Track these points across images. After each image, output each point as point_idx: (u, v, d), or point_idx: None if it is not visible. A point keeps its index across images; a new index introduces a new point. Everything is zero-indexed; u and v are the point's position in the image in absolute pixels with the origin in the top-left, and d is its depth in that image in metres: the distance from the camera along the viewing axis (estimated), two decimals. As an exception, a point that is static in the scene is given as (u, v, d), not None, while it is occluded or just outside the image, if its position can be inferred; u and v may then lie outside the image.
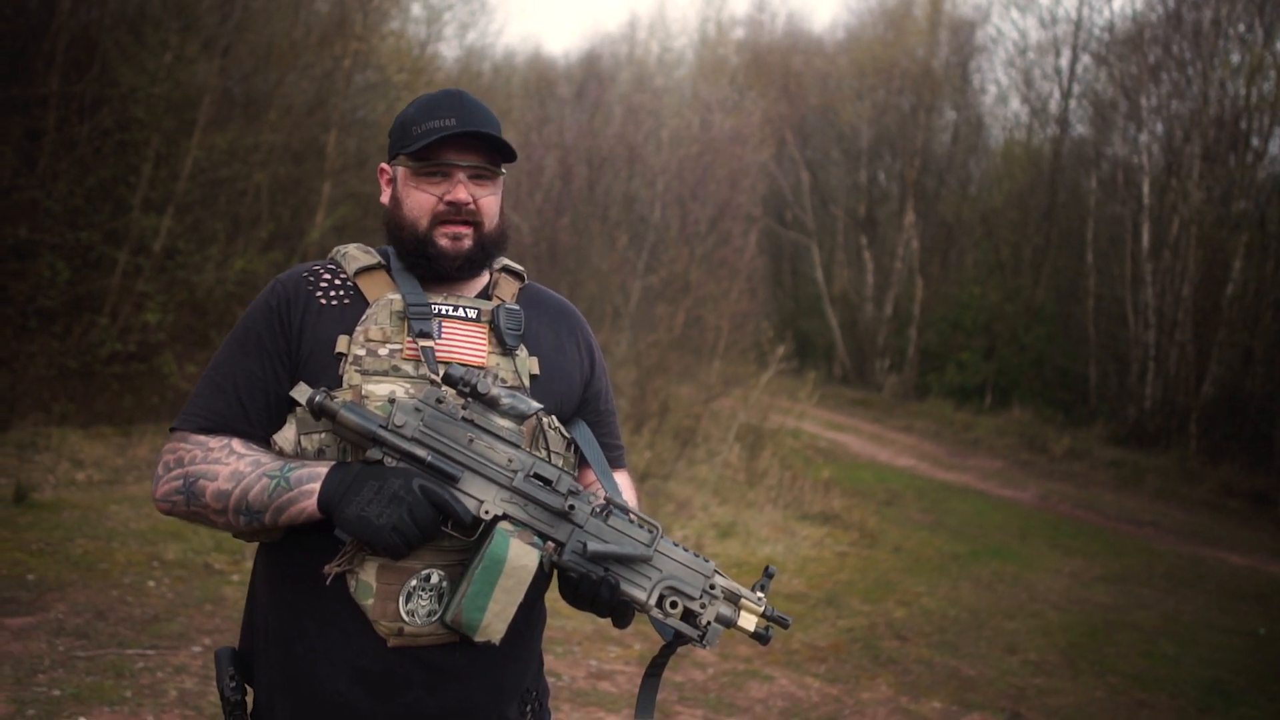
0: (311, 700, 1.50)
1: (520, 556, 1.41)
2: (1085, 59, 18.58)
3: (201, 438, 1.52)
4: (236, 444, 1.51)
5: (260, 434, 1.54)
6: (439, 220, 1.58)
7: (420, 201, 1.59)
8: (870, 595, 6.55)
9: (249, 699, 1.60)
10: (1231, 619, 6.93)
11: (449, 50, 18.50)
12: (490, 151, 1.60)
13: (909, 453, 13.23)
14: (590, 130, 9.28)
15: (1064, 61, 18.77)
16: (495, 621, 1.41)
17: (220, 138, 9.05)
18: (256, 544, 1.61)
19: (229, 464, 1.47)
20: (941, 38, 20.39)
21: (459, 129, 1.55)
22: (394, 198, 1.63)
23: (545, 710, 1.73)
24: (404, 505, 1.40)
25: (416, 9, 15.09)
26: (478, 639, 1.42)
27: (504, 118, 14.18)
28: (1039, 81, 19.61)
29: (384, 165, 1.67)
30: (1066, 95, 18.85)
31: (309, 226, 10.36)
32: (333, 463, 1.48)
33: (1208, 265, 14.82)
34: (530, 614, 1.62)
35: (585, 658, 4.79)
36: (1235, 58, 15.27)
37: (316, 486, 1.43)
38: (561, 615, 5.29)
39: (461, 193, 1.57)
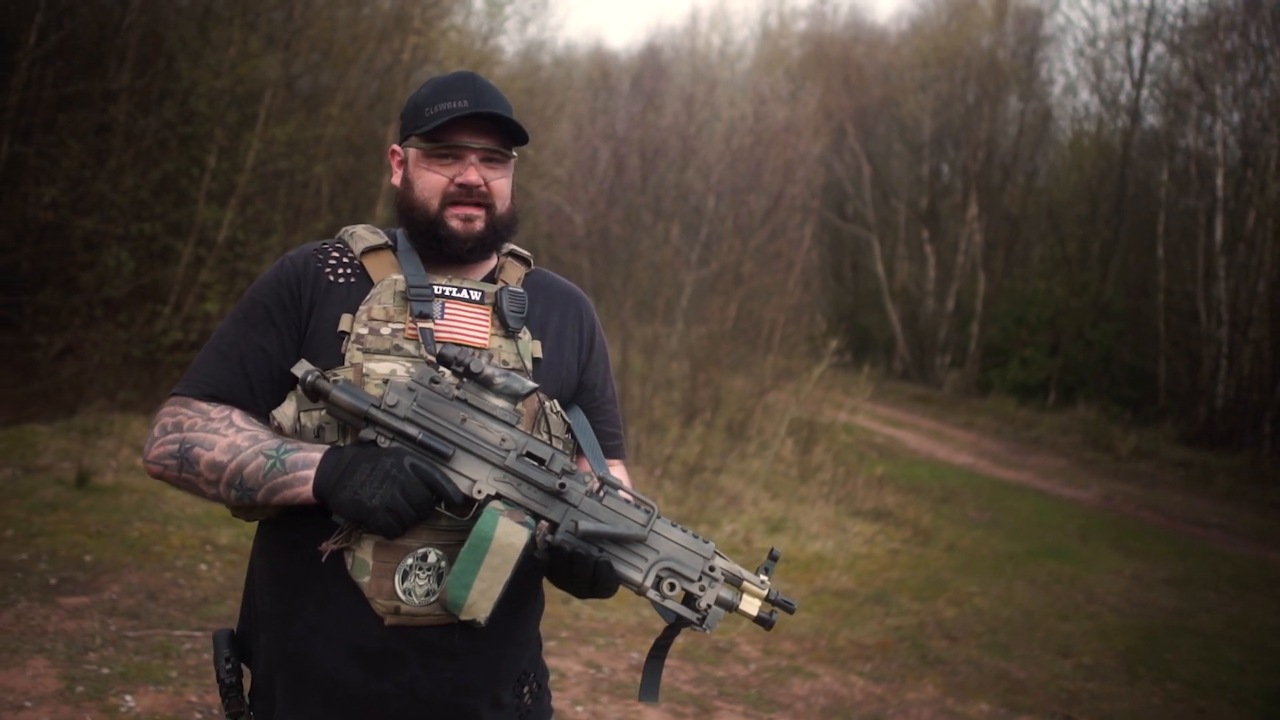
0: (308, 678, 1.50)
1: (507, 534, 1.39)
2: (1158, 47, 18.03)
3: (203, 405, 1.51)
4: (237, 416, 1.50)
5: (262, 407, 1.54)
6: (450, 201, 1.58)
7: (431, 183, 1.59)
8: (921, 594, 6.44)
9: (245, 681, 1.61)
10: (1301, 626, 6.69)
11: (509, 44, 18.62)
12: (502, 134, 1.60)
13: (968, 450, 13.00)
14: (644, 122, 9.24)
15: (1136, 50, 18.24)
16: (480, 600, 1.39)
17: (280, 131, 9.20)
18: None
19: (227, 436, 1.47)
20: (1008, 27, 19.93)
21: (472, 110, 1.55)
22: (405, 179, 1.63)
23: (545, 692, 1.72)
24: (396, 484, 1.39)
25: (478, 2, 15.21)
26: (463, 617, 1.40)
27: (560, 111, 14.23)
28: (1109, 71, 19.08)
29: (395, 147, 1.67)
30: (1138, 85, 18.32)
31: (368, 218, 10.49)
32: (327, 447, 1.47)
33: (1285, 260, 14.29)
34: (528, 598, 1.62)
35: (627, 650, 4.78)
36: (1317, 44, 14.70)
37: (311, 474, 1.43)
38: (605, 608, 5.29)
39: (473, 174, 1.57)
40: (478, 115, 1.56)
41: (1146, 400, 16.22)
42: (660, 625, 1.57)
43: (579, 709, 4.02)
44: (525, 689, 1.65)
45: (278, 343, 1.55)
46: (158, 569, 4.87)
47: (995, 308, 18.96)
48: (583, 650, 4.68)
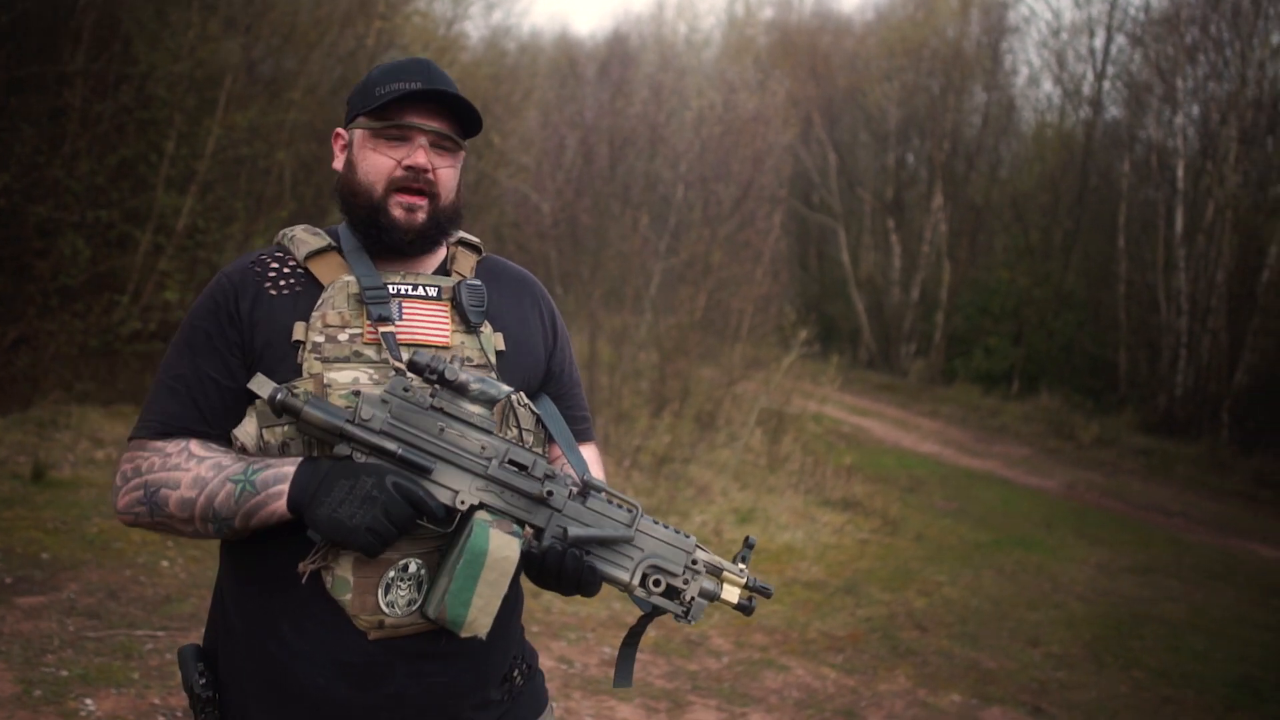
0: (291, 696, 1.46)
1: (501, 548, 1.37)
2: (1120, 40, 18.22)
3: (158, 443, 1.46)
4: (194, 445, 1.45)
5: (218, 432, 1.48)
6: (395, 187, 1.51)
7: (377, 164, 1.52)
8: (890, 584, 6.46)
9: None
10: (1262, 613, 6.79)
11: (474, 30, 18.43)
12: (454, 121, 1.54)
13: (933, 439, 13.08)
14: (612, 110, 9.16)
15: (1098, 42, 18.42)
16: (480, 616, 1.38)
17: (241, 116, 9.01)
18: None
19: (190, 469, 1.42)
20: (972, 18, 20.03)
21: (425, 87, 1.49)
22: (349, 162, 1.56)
23: (537, 672, 1.73)
24: (378, 504, 1.35)
25: (442, -13, 15.01)
26: (464, 634, 1.39)
27: (527, 98, 14.08)
28: (1072, 63, 19.25)
29: (339, 130, 1.60)
30: (1100, 77, 18.50)
31: (331, 206, 10.32)
32: (299, 459, 1.42)
33: (1242, 251, 14.51)
34: (510, 597, 1.59)
35: (599, 644, 4.74)
36: (1275, 38, 14.91)
37: (285, 488, 1.39)
38: (577, 602, 5.24)
39: (421, 157, 1.51)
40: (431, 95, 1.50)
41: (1107, 389, 16.44)
42: (633, 616, 1.57)
43: (551, 704, 3.97)
44: (516, 673, 1.65)
45: (223, 367, 1.48)
46: (118, 566, 4.76)
47: (959, 297, 19.11)
48: (554, 645, 4.63)
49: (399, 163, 1.51)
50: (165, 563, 4.91)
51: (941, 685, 4.80)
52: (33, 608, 4.14)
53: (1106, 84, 18.53)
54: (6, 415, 6.95)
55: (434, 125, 1.52)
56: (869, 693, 4.61)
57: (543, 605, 5.11)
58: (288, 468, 1.40)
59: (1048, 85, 20.39)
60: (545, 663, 4.39)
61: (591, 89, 11.15)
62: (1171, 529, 9.43)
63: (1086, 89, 18.88)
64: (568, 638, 4.75)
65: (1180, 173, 15.60)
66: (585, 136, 9.00)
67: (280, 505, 1.39)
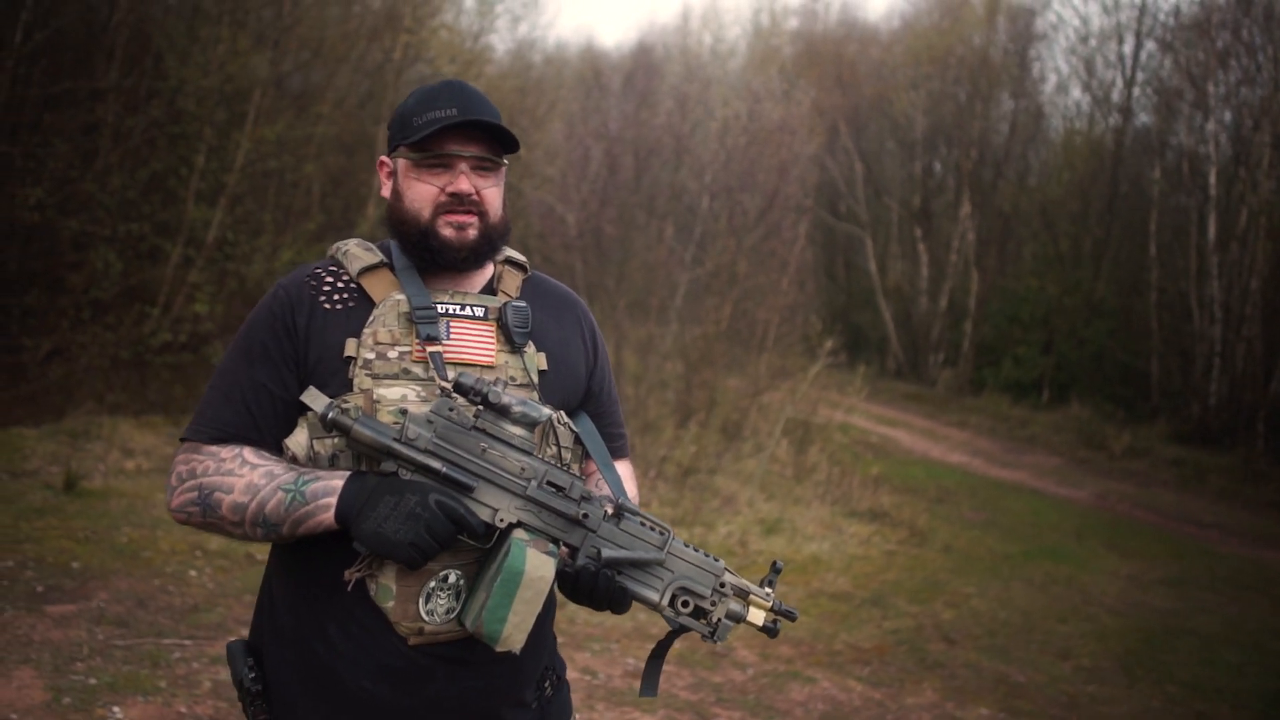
0: (334, 695, 1.54)
1: (538, 568, 1.44)
2: (1150, 45, 18.03)
3: (213, 448, 1.53)
4: (248, 453, 1.52)
5: (270, 440, 1.55)
6: (441, 210, 1.57)
7: (422, 193, 1.57)
8: (918, 596, 6.40)
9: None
10: (1299, 627, 6.67)
11: (500, 42, 18.53)
12: (492, 142, 1.59)
13: (962, 449, 12.97)
14: (636, 121, 9.18)
15: (1127, 48, 18.24)
16: (515, 632, 1.44)
17: (270, 130, 9.11)
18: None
19: (243, 475, 1.49)
20: (999, 25, 19.91)
21: (460, 118, 1.54)
22: (395, 191, 1.61)
23: (564, 683, 1.80)
24: (421, 522, 1.41)
25: (469, 1, 15.13)
26: (499, 649, 1.45)
27: (552, 110, 14.15)
28: (1101, 69, 19.07)
29: (384, 158, 1.65)
30: (1130, 83, 18.31)
31: (359, 218, 10.41)
32: (347, 473, 1.48)
33: (1277, 257, 14.30)
34: (543, 608, 1.64)
35: (623, 655, 4.73)
36: (1309, 42, 14.70)
37: (333, 501, 1.45)
38: (602, 613, 5.23)
39: (464, 183, 1.56)
40: (467, 123, 1.55)
41: (1139, 398, 16.23)
42: (659, 628, 1.63)
43: (575, 715, 3.96)
44: (546, 684, 1.71)
45: (278, 375, 1.54)
46: (146, 575, 4.80)
47: (988, 306, 18.95)
48: (578, 656, 4.62)
49: (442, 189, 1.56)
50: (193, 572, 4.95)
51: (970, 699, 4.74)
52: (63, 616, 4.19)
53: (1136, 90, 18.35)
54: (39, 426, 7.05)
55: (473, 151, 1.56)
56: (895, 706, 4.56)
57: (567, 616, 5.10)
58: (336, 481, 1.46)
59: (1076, 92, 20.19)
60: (569, 674, 4.37)
61: (616, 100, 11.18)
62: (1205, 540, 9.28)
63: (1116, 95, 18.71)
64: (592, 649, 4.74)
65: (1212, 179, 15.40)
66: (610, 147, 9.02)
67: (328, 517, 1.45)
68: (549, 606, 1.69)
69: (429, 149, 1.55)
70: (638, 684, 4.48)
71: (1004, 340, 18.36)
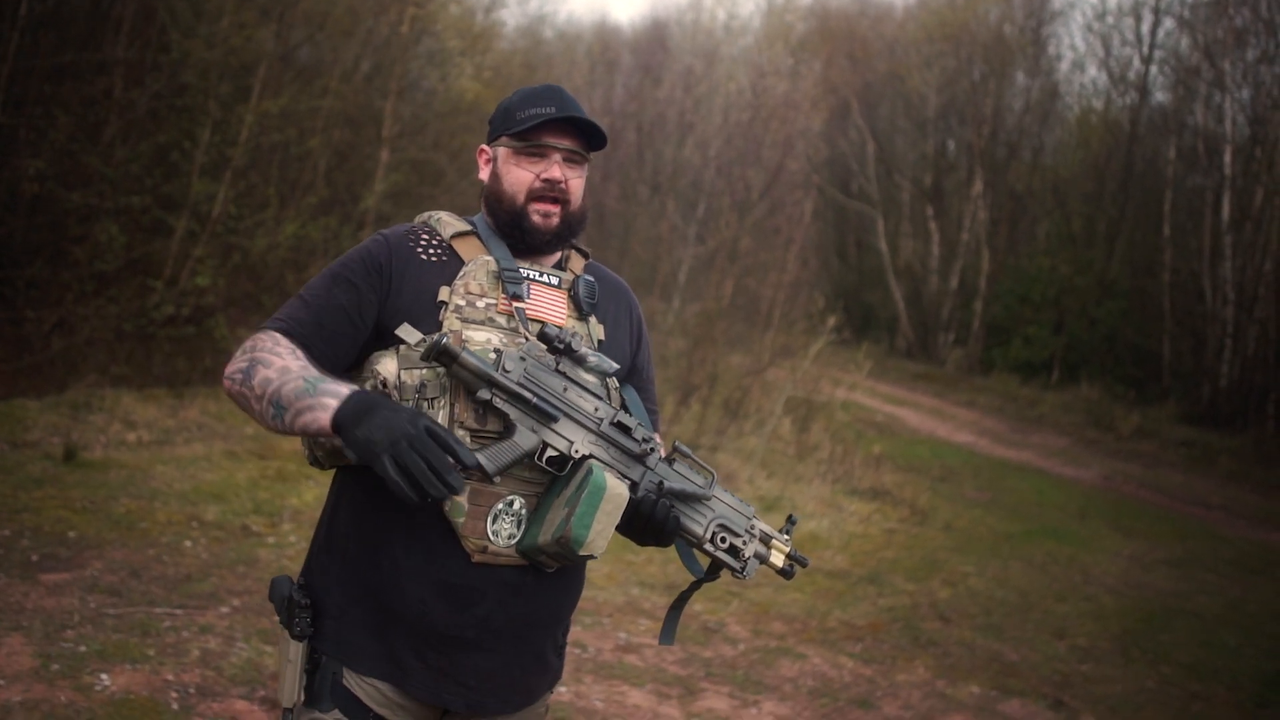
0: (393, 609, 1.68)
1: (617, 486, 1.61)
2: (1167, 23, 17.82)
3: (279, 335, 1.69)
4: (300, 350, 1.66)
5: (328, 358, 1.70)
6: (534, 196, 1.77)
7: (519, 178, 1.78)
8: (915, 574, 6.39)
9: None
10: (1300, 609, 6.63)
11: (510, 17, 18.42)
12: (583, 138, 1.80)
13: (969, 428, 12.92)
14: (641, 95, 9.10)
15: (1145, 26, 18.03)
16: (598, 539, 1.59)
17: (274, 104, 9.08)
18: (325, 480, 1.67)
19: (284, 360, 1.63)
20: (1015, 2, 19.69)
21: (560, 114, 1.76)
22: (494, 174, 1.83)
23: (564, 646, 1.94)
24: (406, 436, 1.48)
25: (480, -26, 15.01)
26: (582, 553, 1.58)
27: (562, 83, 14.05)
28: (1118, 47, 18.88)
29: (484, 147, 1.87)
30: (1147, 61, 18.12)
31: (365, 193, 10.38)
32: (355, 387, 1.59)
33: (1292, 239, 14.15)
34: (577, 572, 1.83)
35: (614, 630, 4.73)
36: (1329, 20, 14.48)
37: (335, 403, 1.55)
38: (594, 586, 5.24)
39: (556, 171, 1.77)
40: (564, 120, 1.76)
41: (1150, 379, 16.13)
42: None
43: (562, 689, 3.98)
44: (562, 643, 1.87)
45: (355, 302, 1.72)
46: (142, 545, 4.83)
47: (999, 285, 18.84)
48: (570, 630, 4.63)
49: (537, 176, 1.77)
50: (188, 543, 4.97)
51: (961, 676, 4.73)
52: (56, 584, 4.21)
53: (1153, 68, 18.14)
54: (42, 398, 7.08)
55: (566, 144, 1.78)
56: (886, 683, 4.56)
57: (560, 590, 5.11)
58: (345, 389, 1.57)
59: (1093, 70, 20.01)
60: (559, 647, 4.39)
61: (623, 76, 11.09)
62: (1211, 522, 9.24)
63: (1133, 74, 18.50)
64: (582, 622, 4.75)
65: (1228, 159, 15.23)
66: (614, 122, 8.95)
67: (325, 416, 1.55)
68: (580, 575, 1.86)
69: (529, 139, 1.77)
70: (627, 658, 4.48)
71: (1014, 320, 18.26)
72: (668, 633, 1.83)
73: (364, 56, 11.03)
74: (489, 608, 1.68)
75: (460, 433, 1.64)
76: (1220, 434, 13.52)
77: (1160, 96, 18.45)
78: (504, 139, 1.81)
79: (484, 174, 1.86)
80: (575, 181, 1.80)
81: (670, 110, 9.05)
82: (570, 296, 1.82)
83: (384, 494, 1.61)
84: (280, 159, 9.63)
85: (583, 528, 1.58)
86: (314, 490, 6.04)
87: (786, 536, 1.79)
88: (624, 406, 1.84)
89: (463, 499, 1.63)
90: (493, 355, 1.65)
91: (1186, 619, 6.14)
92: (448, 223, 1.83)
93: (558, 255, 1.89)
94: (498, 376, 1.61)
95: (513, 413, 1.63)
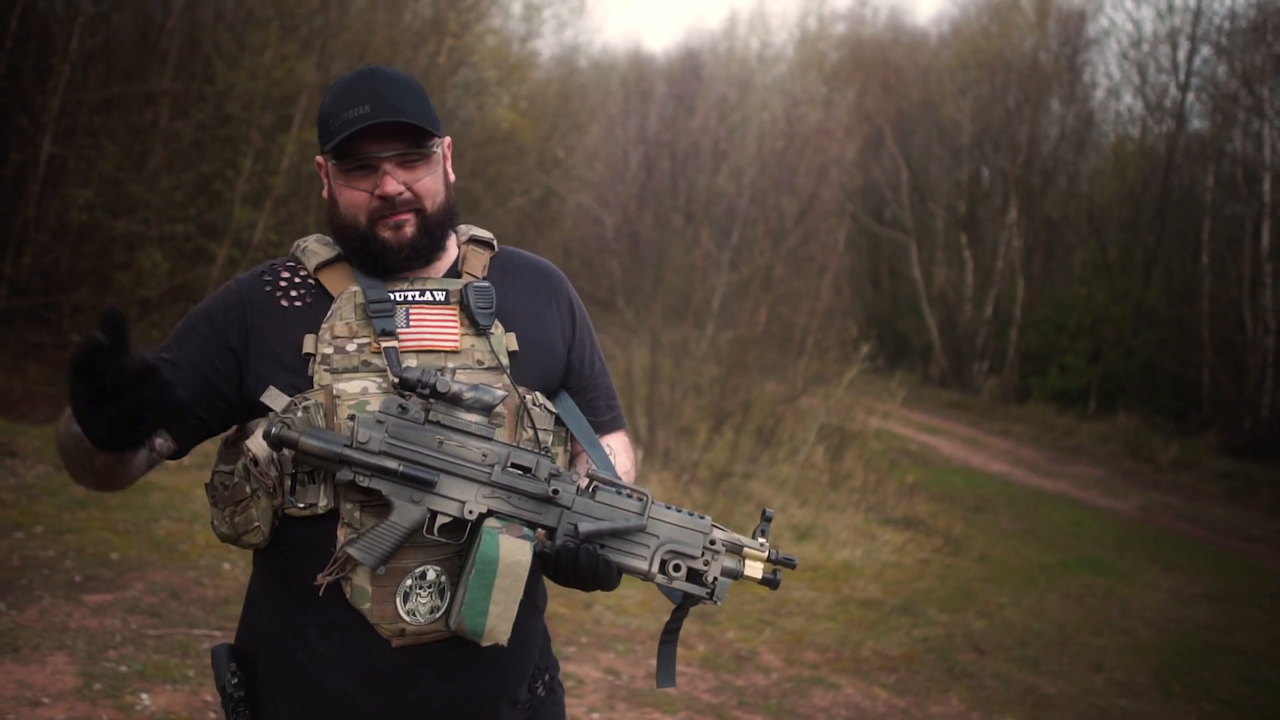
0: (316, 701, 1.50)
1: (512, 553, 1.38)
2: (1205, 50, 17.68)
3: None
4: None
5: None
6: (375, 216, 1.50)
7: (353, 199, 1.50)
8: (950, 605, 6.33)
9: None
10: (1345, 645, 6.49)
11: (546, 47, 18.67)
12: (414, 132, 1.49)
13: (1004, 458, 12.80)
14: (675, 124, 9.20)
15: (1181, 53, 17.90)
16: (499, 624, 1.39)
17: (314, 133, 9.26)
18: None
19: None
20: (1050, 30, 19.65)
21: (371, 119, 1.44)
22: (330, 195, 1.55)
23: (558, 684, 1.73)
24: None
25: (516, 7, 15.25)
26: (485, 643, 1.41)
27: (593, 115, 14.20)
28: (1154, 74, 18.74)
29: (319, 158, 1.57)
30: (1184, 88, 17.97)
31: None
32: None
33: (1334, 267, 13.95)
34: (530, 597, 1.56)
35: (647, 657, 4.73)
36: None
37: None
38: (626, 614, 5.25)
39: (390, 185, 1.48)
40: (379, 124, 1.46)
41: (1189, 410, 15.90)
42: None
43: (595, 715, 3.99)
44: (539, 684, 1.65)
45: (205, 355, 1.49)
46: (182, 567, 4.91)
47: (1034, 313, 18.69)
48: (602, 657, 4.64)
49: (371, 194, 1.49)
50: (227, 565, 5.05)
51: (996, 709, 4.69)
52: (99, 605, 4.29)
53: (1190, 96, 18.00)
54: (86, 421, 7.21)
55: (393, 149, 1.48)
56: (920, 714, 4.52)
57: (593, 618, 5.13)
58: None
59: (1128, 97, 19.86)
60: (592, 674, 4.40)
61: (657, 105, 11.21)
62: (1252, 555, 9.08)
63: (1169, 101, 18.36)
64: (616, 649, 4.76)
65: (1267, 186, 15.07)
66: (648, 151, 9.05)
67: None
68: (536, 600, 1.65)
69: (348, 154, 1.48)
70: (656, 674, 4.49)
71: (1050, 349, 18.09)
72: (664, 673, 1.58)
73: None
74: (424, 689, 1.48)
75: (348, 507, 1.44)
76: (1261, 465, 13.29)
77: (1197, 124, 18.30)
78: (327, 153, 1.50)
79: (325, 190, 1.57)
80: (422, 183, 1.51)
81: (704, 139, 9.13)
82: (462, 310, 1.54)
83: (293, 577, 1.48)
84: (319, 188, 9.81)
85: (477, 615, 1.38)
86: (350, 514, 6.11)
87: (762, 540, 1.51)
88: (558, 423, 1.59)
89: (364, 582, 1.43)
90: (348, 423, 1.41)
91: (1228, 654, 6.03)
92: (313, 251, 1.56)
93: (451, 257, 1.60)
94: (350, 454, 1.38)
95: (384, 488, 1.40)
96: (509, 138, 11.93)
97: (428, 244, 1.54)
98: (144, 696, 3.55)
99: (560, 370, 1.65)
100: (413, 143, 1.50)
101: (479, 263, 1.63)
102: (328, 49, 10.11)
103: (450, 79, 11.60)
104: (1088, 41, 19.81)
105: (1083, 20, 19.61)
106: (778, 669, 4.87)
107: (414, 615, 1.45)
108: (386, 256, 1.52)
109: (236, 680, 1.55)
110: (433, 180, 1.53)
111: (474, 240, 1.66)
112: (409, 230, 1.51)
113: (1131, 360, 17.01)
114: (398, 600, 1.44)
